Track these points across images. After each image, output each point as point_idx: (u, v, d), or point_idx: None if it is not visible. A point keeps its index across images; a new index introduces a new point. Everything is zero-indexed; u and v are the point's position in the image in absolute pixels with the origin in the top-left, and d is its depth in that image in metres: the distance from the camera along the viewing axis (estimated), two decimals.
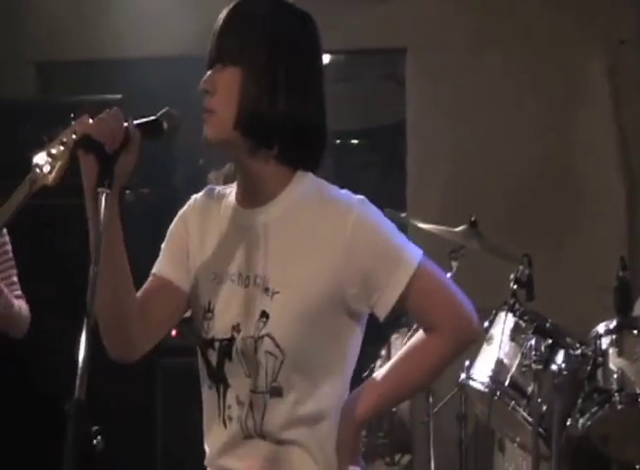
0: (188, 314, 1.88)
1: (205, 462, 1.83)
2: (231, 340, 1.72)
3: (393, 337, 4.29)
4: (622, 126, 4.42)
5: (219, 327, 1.74)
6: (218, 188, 1.88)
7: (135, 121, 1.68)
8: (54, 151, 2.55)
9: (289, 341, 1.67)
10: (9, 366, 3.45)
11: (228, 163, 3.26)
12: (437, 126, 4.49)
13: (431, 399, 3.69)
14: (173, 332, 3.27)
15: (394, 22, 4.27)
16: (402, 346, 1.90)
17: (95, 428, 1.57)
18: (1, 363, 3.35)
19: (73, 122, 2.50)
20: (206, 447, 1.82)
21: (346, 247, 1.67)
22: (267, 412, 1.70)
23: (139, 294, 1.80)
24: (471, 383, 3.37)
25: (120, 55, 4.44)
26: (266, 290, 1.70)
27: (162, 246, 1.87)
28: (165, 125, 1.73)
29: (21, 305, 2.95)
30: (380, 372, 1.80)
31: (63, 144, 2.54)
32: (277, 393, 1.70)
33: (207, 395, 1.79)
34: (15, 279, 2.98)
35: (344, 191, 1.75)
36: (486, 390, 3.30)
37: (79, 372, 1.50)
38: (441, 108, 4.48)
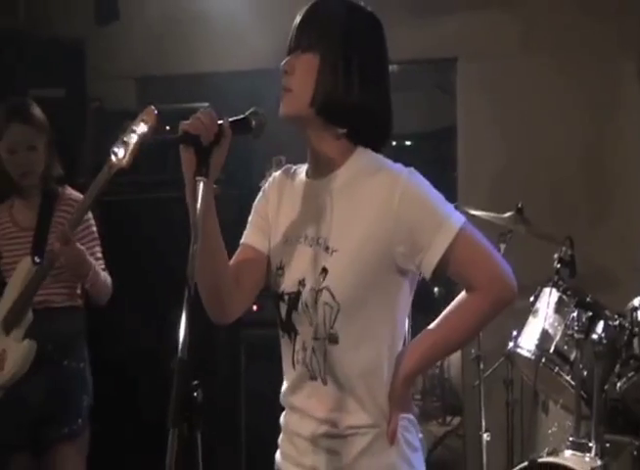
0: None
1: (282, 400, 1.82)
2: (297, 293, 1.73)
3: None
4: None
5: (288, 282, 1.75)
6: (294, 167, 1.88)
7: (228, 119, 1.67)
8: (126, 139, 2.56)
9: (343, 293, 1.66)
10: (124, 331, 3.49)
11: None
12: (485, 128, 4.40)
13: (481, 366, 3.64)
14: (254, 307, 3.19)
15: (445, 33, 4.17)
16: None
17: (195, 383, 1.52)
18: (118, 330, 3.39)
19: (140, 113, 2.54)
20: (282, 388, 1.82)
21: (395, 211, 1.65)
22: (327, 357, 1.69)
23: (231, 263, 1.80)
24: (518, 351, 3.33)
25: (207, 69, 4.45)
26: (327, 249, 1.70)
27: (249, 218, 1.87)
28: (253, 123, 1.73)
29: (106, 277, 2.95)
30: (427, 329, 1.74)
31: (133, 132, 2.56)
32: (334, 340, 1.68)
33: (282, 342, 1.80)
34: (99, 255, 2.97)
35: (397, 164, 1.73)
36: (533, 357, 3.26)
37: (182, 336, 1.51)
38: (489, 112, 4.39)
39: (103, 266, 2.95)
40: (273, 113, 1.73)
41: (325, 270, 1.68)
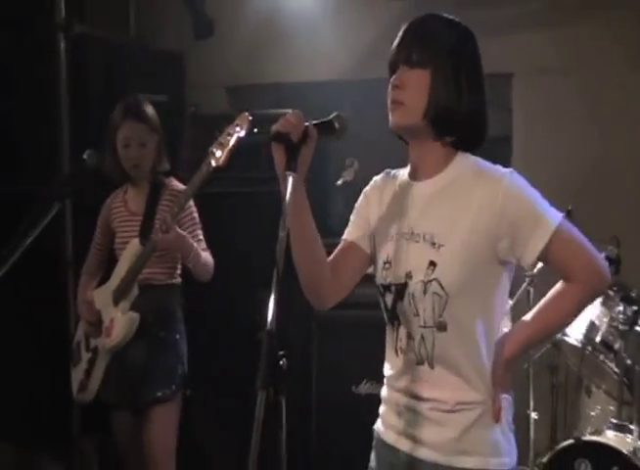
0: (371, 270, 1.87)
1: (385, 382, 1.82)
2: (405, 284, 1.71)
3: None
4: None
5: (395, 274, 1.73)
6: (393, 171, 1.88)
7: (313, 122, 1.68)
8: (223, 140, 2.62)
9: (452, 283, 1.65)
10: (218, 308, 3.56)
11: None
12: (539, 137, 4.33)
13: (531, 351, 3.53)
14: None
15: (503, 50, 4.08)
16: None
17: (281, 352, 1.54)
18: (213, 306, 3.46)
19: (236, 118, 2.60)
20: (385, 371, 1.81)
21: (499, 209, 1.63)
22: (436, 343, 1.68)
23: (331, 258, 1.81)
24: (566, 339, 3.32)
25: (289, 80, 4.48)
26: (433, 244, 1.68)
27: (351, 217, 1.88)
28: (337, 125, 1.73)
29: (207, 257, 2.97)
30: (526, 316, 1.73)
31: (229, 135, 2.61)
32: (442, 327, 1.67)
33: (388, 330, 1.80)
34: (201, 237, 3.00)
35: (497, 165, 1.72)
36: (580, 345, 3.25)
37: (271, 311, 1.54)
38: (542, 122, 4.33)
39: (204, 247, 2.96)
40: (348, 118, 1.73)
41: (433, 264, 1.66)
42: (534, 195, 1.67)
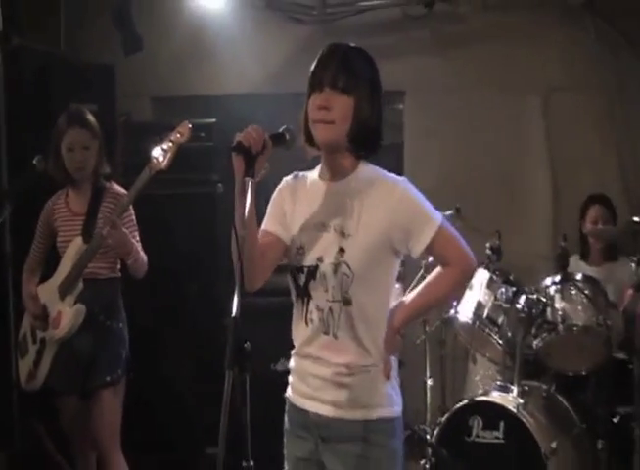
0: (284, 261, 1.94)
1: (293, 352, 1.91)
2: (316, 267, 1.81)
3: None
4: (550, 147, 4.45)
5: (308, 258, 1.83)
6: (301, 173, 1.95)
7: (268, 134, 1.75)
8: (165, 146, 2.66)
9: (357, 266, 1.77)
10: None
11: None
12: (426, 146, 4.51)
13: (427, 328, 3.73)
14: None
15: (397, 72, 4.21)
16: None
17: (245, 341, 1.60)
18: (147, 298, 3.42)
19: (177, 127, 2.62)
20: (294, 341, 1.91)
21: (394, 209, 1.79)
22: (341, 315, 1.79)
23: None
24: (458, 316, 3.43)
25: (212, 92, 4.50)
26: (342, 234, 1.80)
27: (267, 211, 1.95)
28: (287, 137, 1.80)
29: (143, 256, 2.96)
30: (411, 294, 1.91)
31: (171, 141, 2.65)
32: (348, 302, 1.79)
33: (296, 305, 1.88)
34: (138, 238, 2.98)
35: (392, 173, 1.86)
36: (470, 321, 3.36)
37: (235, 299, 1.60)
38: (429, 134, 4.51)
39: (140, 247, 2.95)
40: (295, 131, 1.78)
41: (342, 250, 1.78)
42: (422, 199, 1.84)
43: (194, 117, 3.73)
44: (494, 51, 4.40)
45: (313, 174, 1.93)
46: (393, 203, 1.79)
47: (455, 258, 1.85)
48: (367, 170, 1.86)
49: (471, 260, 1.87)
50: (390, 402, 1.83)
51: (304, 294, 1.85)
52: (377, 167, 1.87)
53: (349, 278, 1.78)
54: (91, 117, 2.98)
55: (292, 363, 1.92)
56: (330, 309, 1.80)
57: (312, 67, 1.82)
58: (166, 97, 4.51)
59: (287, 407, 1.94)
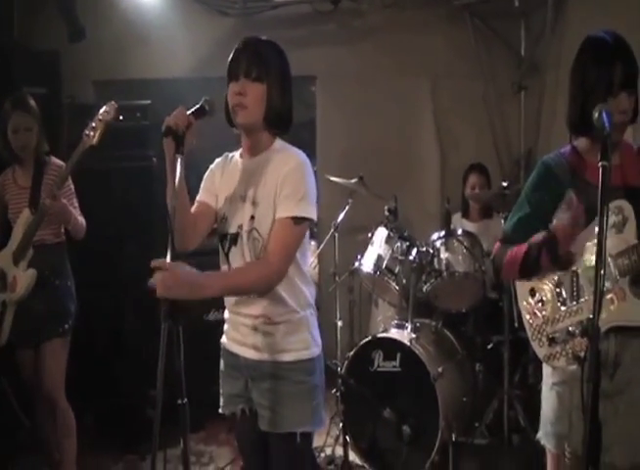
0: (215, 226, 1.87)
1: (227, 307, 1.87)
2: (237, 234, 1.78)
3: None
4: (438, 124, 4.51)
5: (230, 226, 1.80)
6: (230, 154, 1.89)
7: (189, 111, 1.67)
8: (94, 124, 2.53)
9: (264, 230, 1.73)
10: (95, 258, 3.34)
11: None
12: (334, 123, 4.47)
13: (337, 278, 3.66)
14: None
15: (309, 59, 4.17)
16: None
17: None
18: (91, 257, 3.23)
19: (104, 107, 2.49)
20: (225, 300, 1.86)
21: (284, 175, 1.70)
22: None
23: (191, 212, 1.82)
24: (362, 267, 3.38)
25: (148, 76, 4.30)
26: (253, 203, 1.76)
27: (201, 185, 1.89)
28: (207, 107, 1.72)
29: (82, 221, 2.86)
30: (225, 270, 1.81)
31: (99, 119, 2.53)
32: None
33: (223, 269, 1.83)
34: (76, 205, 2.87)
35: (300, 151, 1.77)
36: (372, 271, 3.33)
37: (168, 258, 1.58)
38: (337, 112, 4.47)
39: (79, 213, 2.87)
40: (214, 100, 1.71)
41: (253, 217, 1.75)
42: (308, 183, 1.70)
43: (131, 99, 3.62)
44: (392, 42, 4.42)
45: (237, 154, 1.87)
46: (285, 170, 1.70)
47: (274, 253, 1.68)
48: (278, 147, 1.79)
49: (277, 270, 1.67)
50: (308, 345, 1.80)
51: (226, 261, 1.81)
52: (288, 144, 1.82)
53: (260, 242, 1.74)
54: (32, 102, 2.86)
55: (226, 315, 1.89)
56: None
57: (229, 58, 1.76)
58: (107, 80, 4.31)
59: (222, 352, 1.91)
